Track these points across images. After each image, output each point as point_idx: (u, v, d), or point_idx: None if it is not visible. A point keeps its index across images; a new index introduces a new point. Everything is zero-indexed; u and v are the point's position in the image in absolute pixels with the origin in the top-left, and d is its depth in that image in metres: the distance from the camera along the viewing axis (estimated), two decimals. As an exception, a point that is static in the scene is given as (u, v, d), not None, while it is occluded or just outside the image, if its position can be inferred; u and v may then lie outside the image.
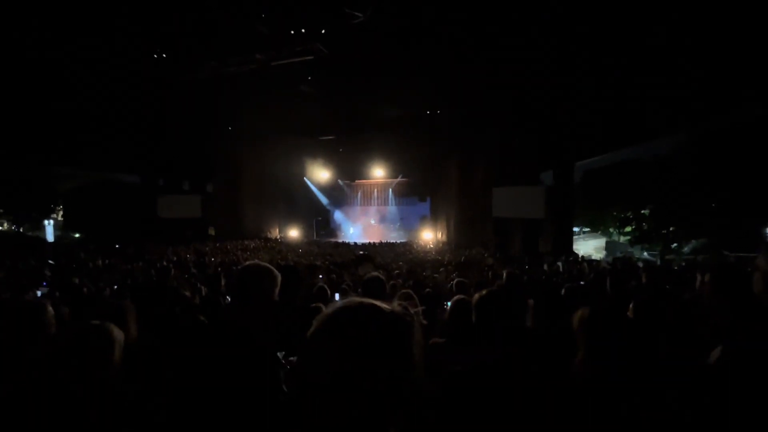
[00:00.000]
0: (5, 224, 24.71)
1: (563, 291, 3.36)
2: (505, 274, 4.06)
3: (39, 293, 4.55)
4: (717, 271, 1.56)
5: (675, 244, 20.59)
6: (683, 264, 10.21)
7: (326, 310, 0.64)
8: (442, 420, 0.99)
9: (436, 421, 0.96)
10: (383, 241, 22.60)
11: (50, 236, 22.86)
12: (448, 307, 2.64)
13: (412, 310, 0.65)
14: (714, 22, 9.04)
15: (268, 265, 1.58)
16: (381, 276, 2.59)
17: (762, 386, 0.97)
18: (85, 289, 4.44)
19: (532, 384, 0.85)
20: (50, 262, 9.60)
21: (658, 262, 13.55)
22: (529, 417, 0.91)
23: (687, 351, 1.42)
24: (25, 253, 10.97)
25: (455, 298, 2.59)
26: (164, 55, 13.03)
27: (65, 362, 1.13)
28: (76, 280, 4.85)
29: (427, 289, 5.01)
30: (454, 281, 4.43)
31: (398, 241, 22.79)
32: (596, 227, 28.16)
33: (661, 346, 1.49)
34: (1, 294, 4.21)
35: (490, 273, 7.36)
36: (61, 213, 27.25)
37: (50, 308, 1.44)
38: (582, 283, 6.42)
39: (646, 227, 22.31)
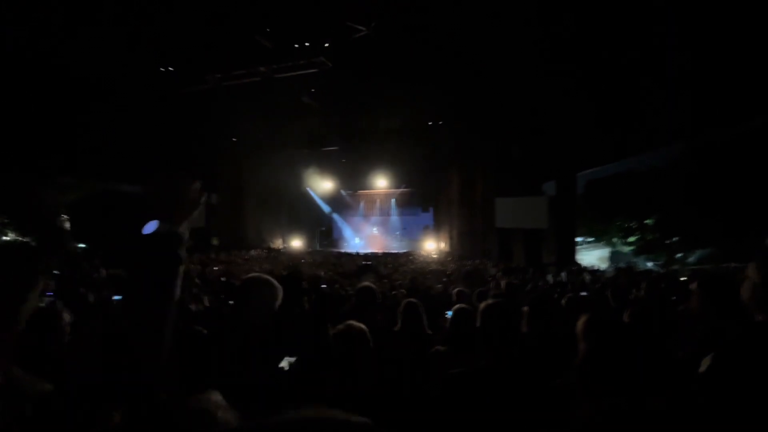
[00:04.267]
0: (10, 234, 24.80)
1: (564, 301, 3.39)
2: (503, 284, 4.10)
3: (43, 303, 4.60)
4: (704, 280, 1.62)
5: (679, 254, 20.45)
6: (690, 274, 10.18)
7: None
8: (438, 417, 1.03)
9: (433, 419, 0.99)
10: (386, 251, 22.60)
11: (55, 246, 22.92)
12: (450, 317, 2.67)
13: None
14: (719, 29, 9.08)
15: (269, 277, 1.66)
16: (372, 285, 2.64)
17: (750, 395, 1.00)
18: (90, 299, 4.48)
19: (522, 386, 0.90)
20: (55, 272, 9.63)
21: (661, 272, 13.47)
22: (517, 416, 0.95)
23: (675, 357, 1.45)
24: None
25: (456, 307, 2.62)
26: (170, 69, 13.26)
27: (98, 363, 1.17)
28: (83, 290, 4.90)
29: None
30: (455, 291, 4.46)
31: (401, 251, 22.79)
32: (600, 237, 28.01)
33: (651, 352, 1.53)
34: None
35: (492, 283, 7.36)
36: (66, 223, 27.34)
37: (65, 314, 1.48)
38: (584, 293, 6.42)
39: (650, 237, 22.20)
